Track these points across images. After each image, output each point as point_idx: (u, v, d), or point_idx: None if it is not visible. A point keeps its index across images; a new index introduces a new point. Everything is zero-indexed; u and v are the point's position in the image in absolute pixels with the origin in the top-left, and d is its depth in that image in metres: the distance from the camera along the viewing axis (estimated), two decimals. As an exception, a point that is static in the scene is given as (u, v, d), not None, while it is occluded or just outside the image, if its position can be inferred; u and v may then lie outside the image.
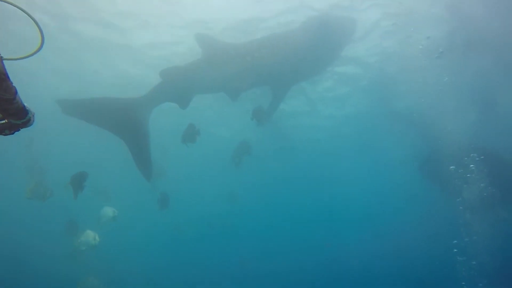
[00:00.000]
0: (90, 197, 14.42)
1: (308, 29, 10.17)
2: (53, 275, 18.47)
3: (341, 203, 31.12)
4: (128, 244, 25.04)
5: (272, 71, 10.19)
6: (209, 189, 26.99)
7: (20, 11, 2.31)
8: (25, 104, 2.23)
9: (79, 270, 15.20)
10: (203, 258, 28.51)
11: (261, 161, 24.51)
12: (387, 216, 31.06)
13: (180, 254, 27.95)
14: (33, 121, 2.35)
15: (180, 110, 10.01)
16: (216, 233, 28.71)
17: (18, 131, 2.37)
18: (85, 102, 8.82)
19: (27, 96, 2.42)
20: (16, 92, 2.07)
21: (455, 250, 13.73)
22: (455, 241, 13.89)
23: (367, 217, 32.25)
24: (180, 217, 25.22)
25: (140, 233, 27.61)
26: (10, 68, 2.10)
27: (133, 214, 23.39)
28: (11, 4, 2.20)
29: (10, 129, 2.32)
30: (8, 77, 1.97)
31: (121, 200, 16.70)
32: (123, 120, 8.80)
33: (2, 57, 1.91)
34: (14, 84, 2.04)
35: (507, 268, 13.54)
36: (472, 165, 12.92)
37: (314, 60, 10.82)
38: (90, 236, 10.54)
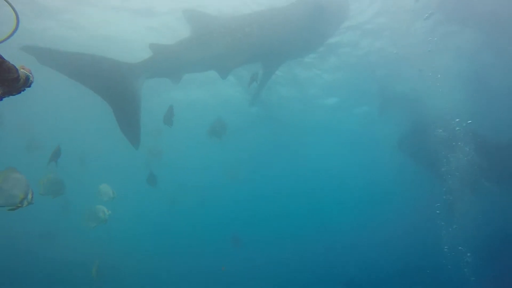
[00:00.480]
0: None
1: (301, 6, 10.06)
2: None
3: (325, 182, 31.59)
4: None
5: (264, 49, 10.07)
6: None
7: None
8: (25, 71, 2.28)
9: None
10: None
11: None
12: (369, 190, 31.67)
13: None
14: (33, 81, 2.38)
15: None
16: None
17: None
18: (71, 55, 7.97)
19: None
20: (17, 69, 2.13)
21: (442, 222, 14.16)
22: (438, 212, 14.40)
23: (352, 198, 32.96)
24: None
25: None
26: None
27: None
28: None
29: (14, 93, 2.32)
30: (3, 58, 2.00)
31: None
32: (114, 82, 8.22)
33: None
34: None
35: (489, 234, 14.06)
36: (457, 128, 13.02)
37: (307, 39, 10.74)
38: (100, 211, 9.65)
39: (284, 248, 27.73)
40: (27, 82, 2.33)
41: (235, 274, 21.62)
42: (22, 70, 2.30)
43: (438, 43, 13.33)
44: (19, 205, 4.68)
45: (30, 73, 2.36)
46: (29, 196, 4.74)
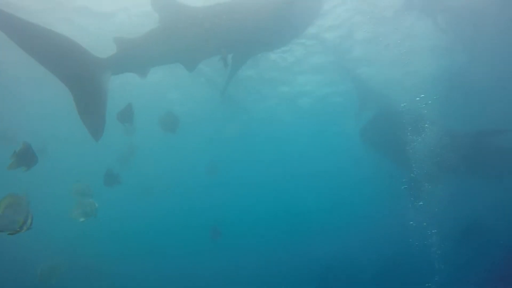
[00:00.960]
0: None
1: None
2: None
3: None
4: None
5: (233, 40, 9.92)
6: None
7: None
8: None
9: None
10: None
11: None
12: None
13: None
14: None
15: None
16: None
17: None
18: (36, 28, 7.08)
19: None
20: None
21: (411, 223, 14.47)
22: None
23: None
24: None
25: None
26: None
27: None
28: None
29: None
30: None
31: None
32: (80, 72, 7.78)
33: None
34: None
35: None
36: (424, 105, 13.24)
37: (276, 31, 10.58)
38: (87, 205, 9.42)
39: (261, 240, 27.89)
40: None
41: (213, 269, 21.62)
42: None
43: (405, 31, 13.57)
44: (18, 230, 4.97)
45: None
46: (29, 221, 5.05)
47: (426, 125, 13.21)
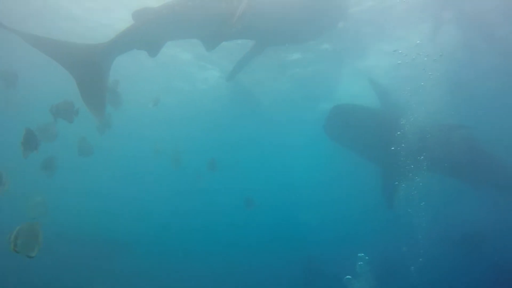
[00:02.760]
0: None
1: None
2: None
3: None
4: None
5: (265, 25, 9.42)
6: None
7: None
8: None
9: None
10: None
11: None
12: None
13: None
14: None
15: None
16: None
17: None
18: (48, 41, 8.13)
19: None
20: None
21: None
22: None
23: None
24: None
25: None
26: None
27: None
28: None
29: None
30: None
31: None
32: (84, 67, 8.21)
33: None
34: None
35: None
36: None
37: (305, 23, 10.18)
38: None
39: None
40: None
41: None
42: None
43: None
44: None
45: None
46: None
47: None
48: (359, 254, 14.48)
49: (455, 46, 13.45)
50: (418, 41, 13.27)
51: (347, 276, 13.95)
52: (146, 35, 8.46)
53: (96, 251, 19.34)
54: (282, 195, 32.98)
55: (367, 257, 14.51)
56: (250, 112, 24.19)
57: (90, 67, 8.28)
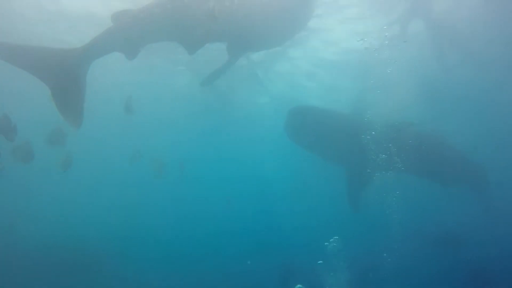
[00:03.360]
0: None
1: None
2: None
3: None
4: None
5: (244, 29, 9.54)
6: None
7: None
8: None
9: None
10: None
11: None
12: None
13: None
14: None
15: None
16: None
17: None
18: (19, 47, 7.82)
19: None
20: None
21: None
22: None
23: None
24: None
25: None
26: None
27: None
28: None
29: None
30: None
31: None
32: (58, 75, 7.85)
33: None
34: None
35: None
36: None
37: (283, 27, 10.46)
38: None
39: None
40: None
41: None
42: None
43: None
44: None
45: None
46: None
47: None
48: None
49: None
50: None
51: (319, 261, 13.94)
52: (125, 38, 8.30)
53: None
54: (257, 201, 33.07)
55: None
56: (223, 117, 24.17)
57: (65, 74, 7.88)
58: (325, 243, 14.21)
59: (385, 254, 14.86)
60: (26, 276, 16.13)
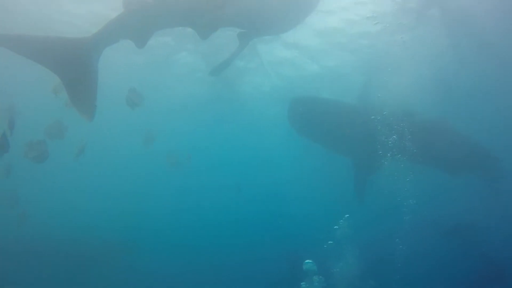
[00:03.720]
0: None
1: None
2: None
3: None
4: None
5: (258, 14, 9.23)
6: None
7: None
8: None
9: None
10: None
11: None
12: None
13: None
14: None
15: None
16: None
17: None
18: (26, 38, 7.59)
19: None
20: None
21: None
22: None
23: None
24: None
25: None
26: None
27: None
28: None
29: None
30: None
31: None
32: (69, 65, 7.67)
33: None
34: None
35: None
36: None
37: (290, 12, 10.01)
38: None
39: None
40: None
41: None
42: None
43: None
44: None
45: None
46: None
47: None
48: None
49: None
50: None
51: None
52: (136, 24, 8.16)
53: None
54: (267, 191, 32.97)
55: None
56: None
57: (76, 64, 7.73)
58: (335, 227, 14.26)
59: (397, 240, 14.82)
60: (37, 268, 16.31)
